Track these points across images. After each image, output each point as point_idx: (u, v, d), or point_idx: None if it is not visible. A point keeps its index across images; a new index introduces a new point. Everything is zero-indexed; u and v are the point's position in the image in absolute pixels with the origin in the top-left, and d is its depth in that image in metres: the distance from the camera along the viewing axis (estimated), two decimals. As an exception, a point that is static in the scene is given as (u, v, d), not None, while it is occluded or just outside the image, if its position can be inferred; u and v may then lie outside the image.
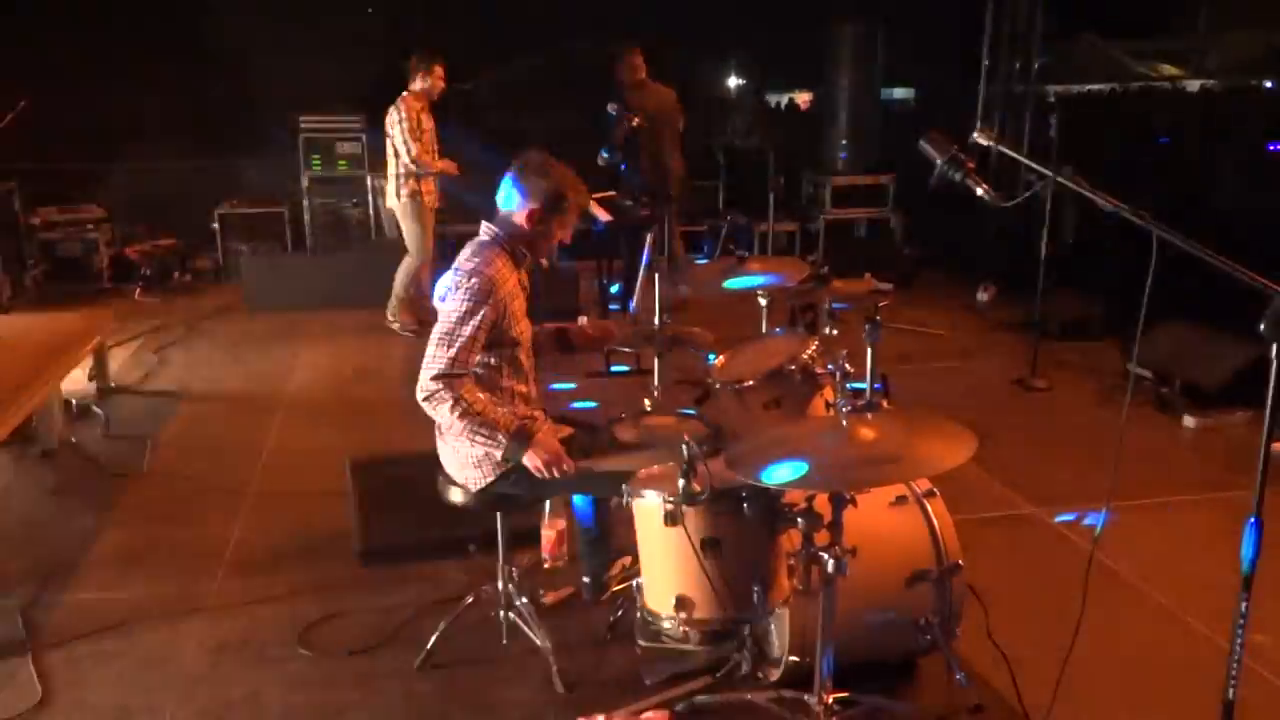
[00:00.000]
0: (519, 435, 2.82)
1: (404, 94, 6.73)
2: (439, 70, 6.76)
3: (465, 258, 2.96)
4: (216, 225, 8.67)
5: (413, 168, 6.62)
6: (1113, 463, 2.20)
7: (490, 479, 2.98)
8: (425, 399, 2.82)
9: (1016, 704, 2.87)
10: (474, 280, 2.85)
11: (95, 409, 5.48)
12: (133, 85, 8.44)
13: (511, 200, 3.00)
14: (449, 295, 2.89)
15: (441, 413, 2.81)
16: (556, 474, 2.85)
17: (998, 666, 2.98)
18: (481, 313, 2.83)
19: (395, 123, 6.63)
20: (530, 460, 2.84)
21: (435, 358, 2.82)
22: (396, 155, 6.68)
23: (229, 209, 8.75)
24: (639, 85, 7.25)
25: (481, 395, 2.86)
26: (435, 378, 2.79)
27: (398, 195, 6.74)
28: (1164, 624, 3.44)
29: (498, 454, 2.85)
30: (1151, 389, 5.53)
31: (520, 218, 2.99)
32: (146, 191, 8.71)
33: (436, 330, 2.86)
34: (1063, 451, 4.94)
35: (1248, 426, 5.19)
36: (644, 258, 5.07)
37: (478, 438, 2.82)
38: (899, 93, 11.20)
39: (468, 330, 2.82)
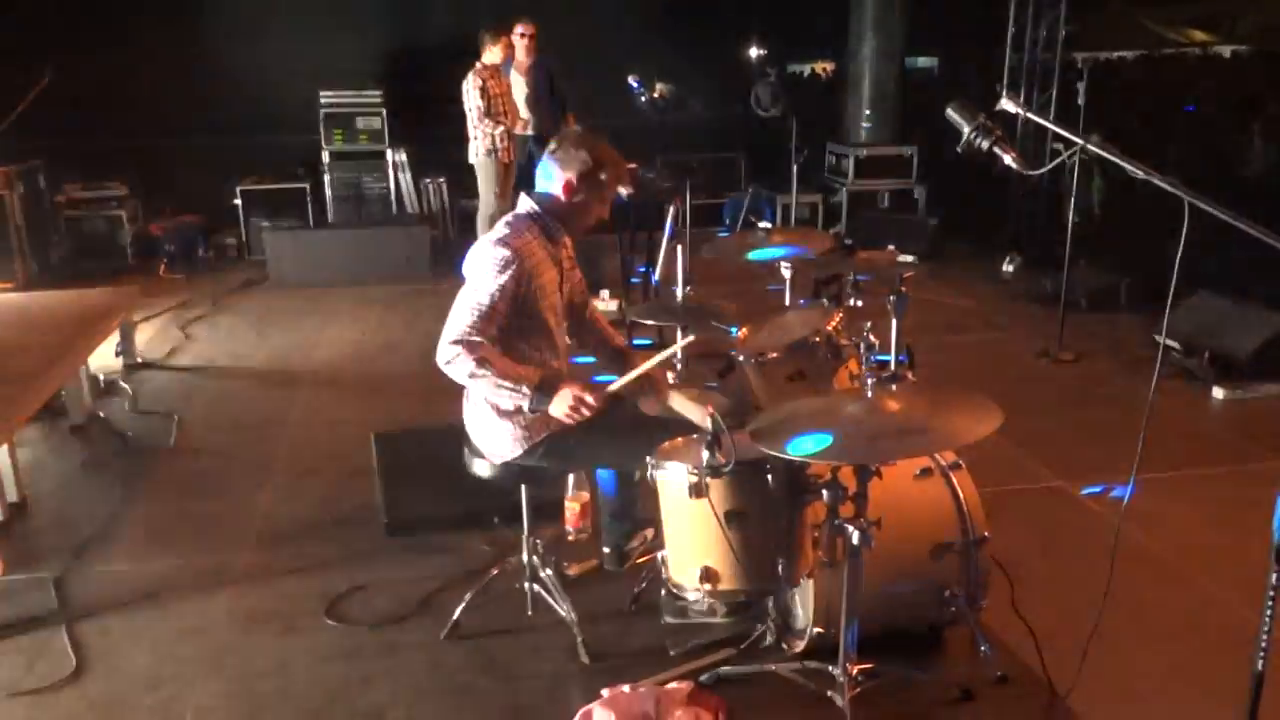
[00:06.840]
0: (544, 386, 2.78)
1: None
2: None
3: (497, 229, 2.96)
4: (239, 201, 8.69)
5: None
6: (1140, 435, 2.18)
7: (518, 452, 2.98)
8: (446, 363, 2.81)
9: (1042, 676, 2.87)
10: (498, 250, 2.86)
11: (122, 384, 5.54)
12: (155, 62, 8.45)
13: (549, 174, 3.00)
14: (476, 265, 2.89)
15: (461, 374, 2.80)
16: (586, 412, 2.78)
17: (1023, 638, 2.97)
18: (501, 282, 2.82)
19: None
20: (557, 407, 2.78)
21: (456, 324, 2.82)
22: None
23: (251, 185, 8.77)
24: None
25: (502, 357, 2.85)
26: (454, 342, 2.79)
27: None
28: (1191, 596, 3.42)
29: (525, 405, 2.80)
30: (1179, 361, 5.48)
31: (557, 191, 2.99)
32: (169, 168, 8.75)
33: (460, 298, 2.87)
34: (1089, 424, 4.90)
35: (1277, 398, 5.14)
36: (667, 230, 5.04)
37: (502, 393, 2.79)
38: (922, 61, 11.05)
39: (488, 299, 2.82)
